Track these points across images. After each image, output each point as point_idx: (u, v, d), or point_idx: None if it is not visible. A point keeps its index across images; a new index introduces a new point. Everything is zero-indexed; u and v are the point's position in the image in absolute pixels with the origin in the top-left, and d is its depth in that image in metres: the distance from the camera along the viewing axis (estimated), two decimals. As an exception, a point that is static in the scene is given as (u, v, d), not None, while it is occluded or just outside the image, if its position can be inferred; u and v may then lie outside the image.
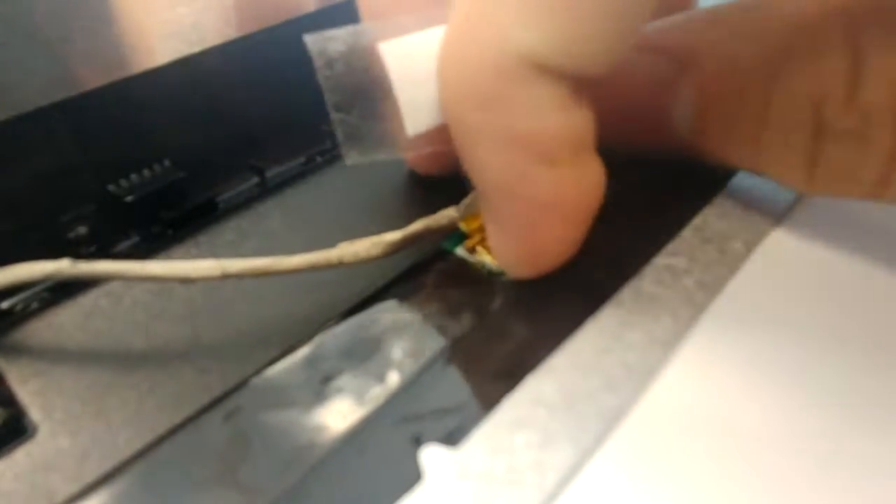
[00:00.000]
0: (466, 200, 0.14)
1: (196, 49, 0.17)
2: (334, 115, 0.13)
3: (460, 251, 0.15)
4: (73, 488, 0.11)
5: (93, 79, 0.16)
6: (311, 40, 0.12)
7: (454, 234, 0.15)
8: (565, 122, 0.11)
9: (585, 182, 0.12)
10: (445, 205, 0.14)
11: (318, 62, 0.12)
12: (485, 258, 0.14)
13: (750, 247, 0.14)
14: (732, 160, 0.14)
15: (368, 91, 0.13)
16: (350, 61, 0.12)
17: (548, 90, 0.11)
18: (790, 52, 0.12)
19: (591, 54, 0.11)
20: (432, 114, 0.12)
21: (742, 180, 0.16)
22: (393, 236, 0.13)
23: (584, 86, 0.11)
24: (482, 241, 0.14)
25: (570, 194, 0.12)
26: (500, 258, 0.14)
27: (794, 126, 0.12)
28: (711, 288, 0.13)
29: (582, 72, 0.11)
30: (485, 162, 0.12)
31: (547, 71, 0.11)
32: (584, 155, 0.12)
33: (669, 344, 0.12)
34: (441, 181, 0.16)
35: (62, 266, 0.12)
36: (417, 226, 0.14)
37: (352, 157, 0.13)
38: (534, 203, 0.12)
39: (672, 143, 0.14)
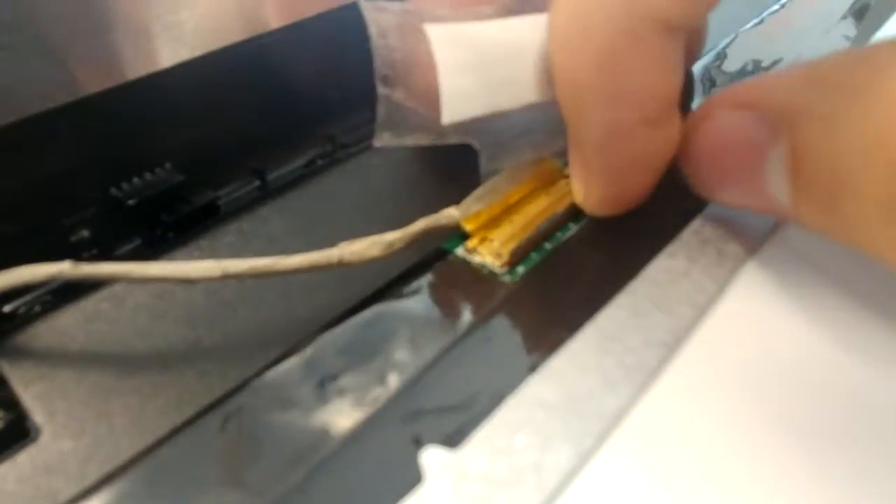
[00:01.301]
0: (467, 200, 0.15)
1: (198, 53, 0.17)
2: (381, 90, 0.13)
3: (461, 251, 0.15)
4: (76, 490, 0.11)
5: (95, 83, 0.16)
6: (367, 7, 0.12)
7: (455, 234, 0.15)
8: (673, 81, 0.12)
9: (673, 139, 0.13)
10: (446, 205, 0.14)
11: (372, 29, 0.12)
12: (485, 258, 0.14)
13: (749, 249, 0.14)
14: (837, 236, 0.12)
15: (416, 71, 0.13)
16: (404, 36, 0.12)
17: (667, 49, 0.12)
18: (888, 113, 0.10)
19: (706, 5, 0.12)
20: (470, 105, 0.12)
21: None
22: (393, 236, 0.13)
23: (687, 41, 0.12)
24: (483, 241, 0.14)
25: (661, 150, 0.13)
26: (585, 199, 0.15)
27: None
28: (710, 290, 0.13)
29: (697, 24, 0.12)
30: (591, 119, 0.12)
31: (670, 29, 0.12)
32: (673, 113, 0.13)
33: (668, 345, 0.12)
34: (442, 180, 0.16)
35: (64, 268, 0.12)
36: (418, 226, 0.14)
37: (383, 139, 0.13)
38: (630, 157, 0.13)
39: (772, 209, 0.13)
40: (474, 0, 0.14)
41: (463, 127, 0.13)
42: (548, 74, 0.13)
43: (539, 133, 0.14)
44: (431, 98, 0.12)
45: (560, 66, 0.12)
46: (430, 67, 0.12)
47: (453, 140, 0.14)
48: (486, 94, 0.13)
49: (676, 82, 0.13)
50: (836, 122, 0.11)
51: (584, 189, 0.14)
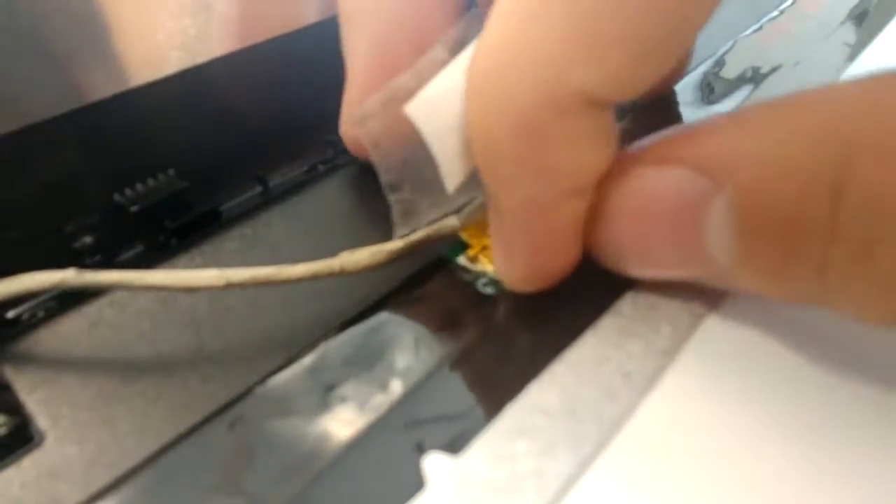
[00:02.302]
0: (467, 209, 0.15)
1: (200, 60, 0.17)
2: (391, 197, 0.13)
3: (462, 260, 0.15)
4: (80, 496, 0.11)
5: (98, 90, 0.16)
6: (355, 125, 0.13)
7: (455, 243, 0.15)
8: (605, 154, 0.11)
9: None
10: (447, 214, 0.15)
11: (367, 144, 0.13)
12: (486, 267, 0.14)
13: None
14: (789, 294, 0.11)
15: (414, 161, 0.13)
16: (392, 134, 0.13)
17: (595, 123, 0.11)
18: (858, 146, 0.09)
19: (642, 83, 0.11)
20: (466, 161, 0.12)
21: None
22: (394, 245, 0.14)
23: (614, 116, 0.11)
24: (483, 250, 0.15)
25: (585, 220, 0.12)
26: (505, 274, 0.13)
27: (876, 238, 0.09)
28: (710, 297, 0.13)
29: (628, 99, 0.11)
30: (512, 190, 0.11)
31: (597, 104, 0.10)
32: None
33: (668, 353, 0.12)
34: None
35: (68, 276, 0.13)
36: (419, 234, 0.14)
37: (404, 231, 0.13)
38: (552, 229, 0.12)
39: (710, 276, 0.12)
40: (423, 45, 0.13)
41: (465, 184, 0.13)
42: None
43: None
44: (434, 175, 0.12)
45: (477, 129, 0.11)
46: (424, 147, 0.12)
47: (463, 200, 0.14)
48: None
49: (608, 155, 0.11)
50: (786, 163, 0.10)
51: (504, 264, 0.13)
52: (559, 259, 0.12)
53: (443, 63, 0.12)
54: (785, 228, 0.10)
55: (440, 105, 0.12)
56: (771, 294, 0.11)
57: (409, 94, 0.12)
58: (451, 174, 0.12)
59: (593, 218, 0.12)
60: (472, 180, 0.12)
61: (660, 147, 0.11)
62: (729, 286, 0.12)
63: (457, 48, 0.12)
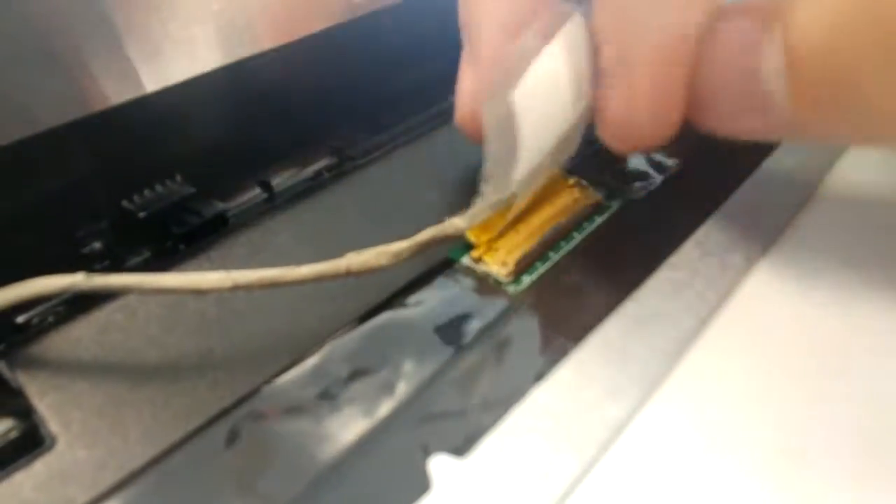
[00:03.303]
0: (472, 210, 0.15)
1: (208, 68, 0.17)
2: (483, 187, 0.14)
3: (467, 260, 0.15)
4: (91, 498, 0.11)
5: (107, 98, 0.16)
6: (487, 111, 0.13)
7: (461, 244, 0.15)
8: None
9: None
10: (452, 215, 0.15)
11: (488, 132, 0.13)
12: (491, 268, 0.14)
13: (751, 260, 0.14)
14: (841, 129, 0.12)
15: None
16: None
17: None
18: None
19: None
20: (524, 160, 0.13)
21: (743, 194, 0.16)
22: (399, 246, 0.14)
23: None
24: (488, 251, 0.15)
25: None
26: (622, 129, 0.13)
27: None
28: (712, 300, 0.13)
29: None
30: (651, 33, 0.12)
31: None
32: None
33: (672, 355, 0.12)
34: (448, 190, 0.17)
35: (77, 280, 0.13)
36: (424, 235, 0.14)
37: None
38: (675, 76, 0.13)
39: (773, 120, 0.12)
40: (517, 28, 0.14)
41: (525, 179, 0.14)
42: (579, 91, 0.13)
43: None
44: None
45: None
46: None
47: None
48: (532, 144, 0.13)
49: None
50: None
51: (624, 118, 0.13)
52: (674, 113, 0.13)
53: (535, 52, 0.12)
54: (827, 65, 0.11)
55: (535, 96, 0.12)
56: (828, 131, 0.12)
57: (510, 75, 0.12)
58: (526, 163, 0.13)
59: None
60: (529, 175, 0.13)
61: (731, 7, 0.12)
62: (794, 134, 0.13)
63: (545, 33, 0.13)
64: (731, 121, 0.13)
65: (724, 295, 0.13)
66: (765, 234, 0.15)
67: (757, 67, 0.12)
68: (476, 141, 0.15)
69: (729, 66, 0.12)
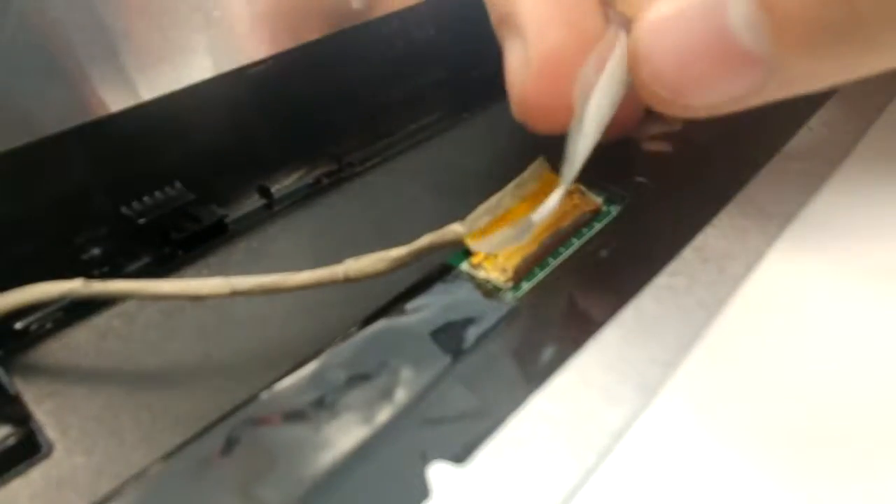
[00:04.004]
0: (472, 216, 0.15)
1: (208, 75, 0.17)
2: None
3: (466, 266, 0.15)
4: (88, 506, 0.11)
5: (107, 105, 0.16)
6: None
7: (460, 250, 0.15)
8: None
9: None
10: (450, 221, 0.15)
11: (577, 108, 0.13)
12: (490, 274, 0.14)
13: (749, 267, 0.14)
14: (838, 63, 0.10)
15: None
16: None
17: None
18: None
19: None
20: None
21: (742, 200, 0.16)
22: (398, 252, 0.14)
23: None
24: (487, 257, 0.15)
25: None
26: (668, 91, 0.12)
27: None
28: (712, 307, 0.13)
29: None
30: None
31: None
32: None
33: (670, 362, 0.12)
34: (446, 196, 0.17)
35: (76, 286, 0.13)
36: (423, 241, 0.14)
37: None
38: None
39: (755, 78, 0.11)
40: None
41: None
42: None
43: None
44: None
45: None
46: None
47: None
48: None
49: None
50: None
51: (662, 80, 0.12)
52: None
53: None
54: None
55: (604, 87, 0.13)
56: (821, 71, 0.11)
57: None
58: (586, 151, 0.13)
59: (639, 54, 0.12)
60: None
61: None
62: (781, 88, 0.11)
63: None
64: (708, 89, 0.12)
65: (723, 302, 0.13)
66: (764, 241, 0.15)
67: (723, 24, 0.11)
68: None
69: (692, 35, 0.11)
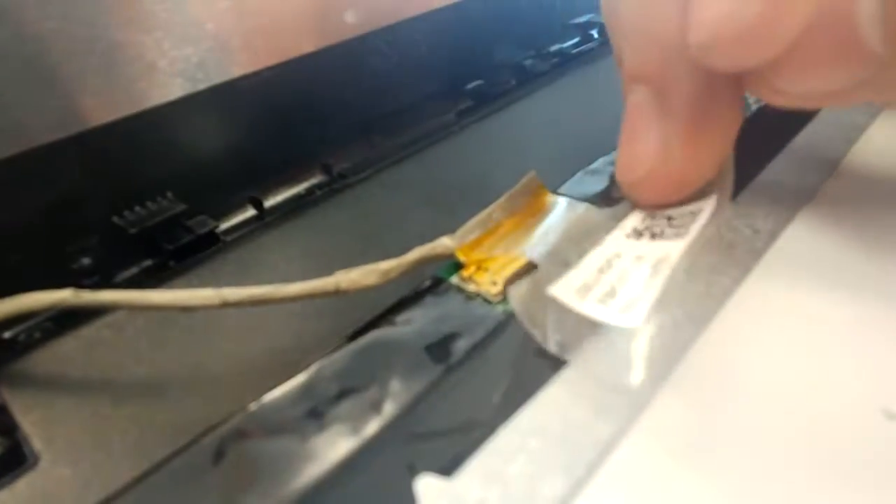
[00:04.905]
0: (462, 230, 0.15)
1: (201, 87, 0.17)
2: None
3: (456, 280, 0.15)
4: (73, 518, 0.11)
5: (100, 115, 0.16)
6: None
7: (450, 263, 0.15)
8: None
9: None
10: (441, 234, 0.15)
11: None
12: (480, 287, 0.14)
13: (736, 280, 0.14)
14: None
15: None
16: None
17: None
18: None
19: None
20: None
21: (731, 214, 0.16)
22: (389, 265, 0.14)
23: None
24: (478, 270, 0.15)
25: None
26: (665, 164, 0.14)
27: None
28: (700, 320, 0.13)
29: None
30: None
31: None
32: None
33: (662, 374, 0.12)
34: (437, 210, 0.17)
35: (65, 295, 0.13)
36: (413, 255, 0.14)
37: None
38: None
39: (861, 68, 0.11)
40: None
41: None
42: None
43: None
44: None
45: None
46: None
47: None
48: None
49: None
50: None
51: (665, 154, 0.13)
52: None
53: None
54: None
55: None
56: None
57: None
58: None
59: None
60: None
61: None
62: (883, 86, 0.12)
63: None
64: (814, 75, 0.12)
65: (709, 318, 0.13)
66: (748, 257, 0.15)
67: (851, 12, 0.11)
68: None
69: (821, 21, 0.11)
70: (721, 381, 0.12)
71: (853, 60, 0.11)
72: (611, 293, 0.13)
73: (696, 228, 0.14)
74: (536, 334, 0.13)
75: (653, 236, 0.14)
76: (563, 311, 0.13)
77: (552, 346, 0.12)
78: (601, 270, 0.13)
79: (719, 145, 0.14)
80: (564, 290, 0.13)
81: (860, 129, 0.19)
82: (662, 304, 0.12)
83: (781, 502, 0.10)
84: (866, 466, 0.11)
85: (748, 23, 0.12)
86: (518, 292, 0.14)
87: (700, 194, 0.14)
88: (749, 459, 0.11)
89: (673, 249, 0.13)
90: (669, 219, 0.14)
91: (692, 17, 0.12)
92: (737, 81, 0.13)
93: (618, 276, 0.13)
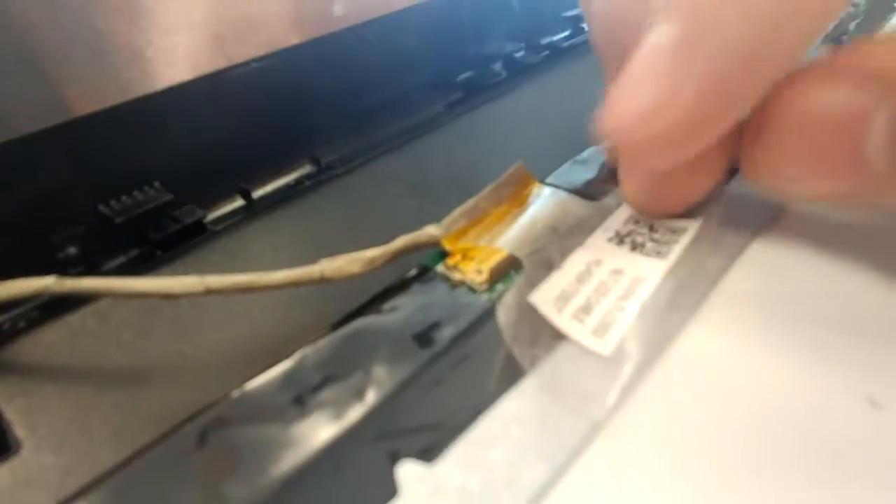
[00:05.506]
0: (448, 218, 0.15)
1: (189, 77, 0.17)
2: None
3: (441, 268, 0.15)
4: (55, 504, 0.11)
5: (87, 104, 0.16)
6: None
7: (435, 252, 0.15)
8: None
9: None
10: (428, 223, 0.15)
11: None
12: (466, 276, 0.14)
13: (723, 269, 0.14)
14: None
15: None
16: None
17: None
18: None
19: None
20: None
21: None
22: (374, 253, 0.14)
23: None
24: (464, 259, 0.15)
25: (741, 138, 0.13)
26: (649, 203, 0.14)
27: None
28: (685, 308, 0.13)
29: None
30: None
31: None
32: None
33: (643, 365, 0.12)
34: (424, 199, 0.17)
35: (48, 283, 0.13)
36: (398, 243, 0.14)
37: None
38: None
39: (861, 184, 0.12)
40: None
41: None
42: None
43: None
44: None
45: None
46: None
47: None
48: None
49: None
50: None
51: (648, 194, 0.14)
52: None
53: None
54: None
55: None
56: None
57: None
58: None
59: (751, 136, 0.12)
60: None
61: (818, 69, 0.12)
62: (880, 198, 0.12)
63: None
64: (809, 181, 0.12)
65: (697, 302, 0.13)
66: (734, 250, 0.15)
67: (861, 136, 0.11)
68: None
69: (826, 133, 0.12)
70: (704, 370, 0.12)
71: (852, 174, 0.12)
72: (586, 308, 0.13)
73: (677, 251, 0.14)
74: (515, 350, 0.13)
75: (633, 247, 0.14)
76: (540, 326, 0.13)
77: (528, 364, 0.12)
78: (580, 279, 0.14)
79: (735, 111, 0.12)
80: (544, 298, 0.13)
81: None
82: (636, 332, 0.12)
83: (767, 488, 0.10)
84: (852, 455, 0.11)
85: (662, 127, 0.11)
86: (507, 303, 0.14)
87: (687, 212, 0.15)
88: (733, 448, 0.11)
89: (651, 271, 0.13)
90: (652, 229, 0.15)
91: (608, 102, 0.12)
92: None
93: (594, 289, 0.13)
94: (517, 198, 0.16)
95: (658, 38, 0.11)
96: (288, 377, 0.12)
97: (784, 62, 0.11)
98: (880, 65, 0.11)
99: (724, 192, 0.16)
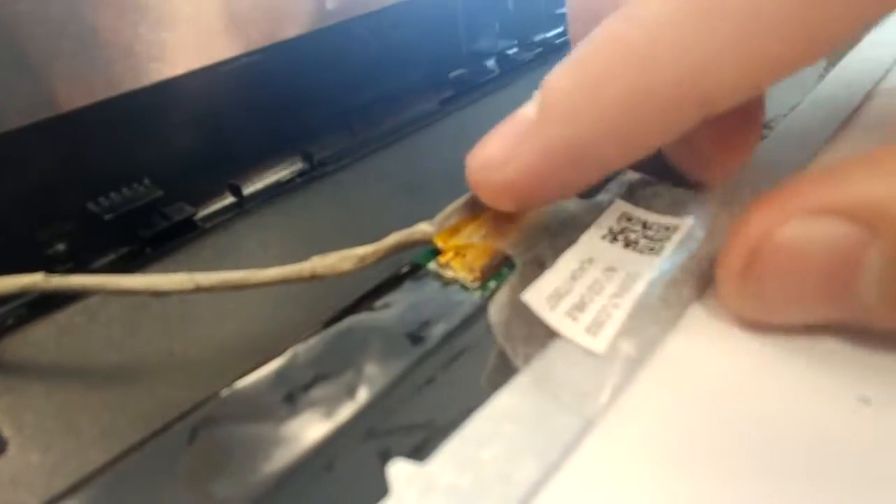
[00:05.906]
0: (440, 216, 0.15)
1: (178, 72, 0.17)
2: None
3: (433, 266, 0.15)
4: None
5: (75, 100, 0.16)
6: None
7: (427, 249, 0.15)
8: None
9: None
10: (421, 220, 0.15)
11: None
12: (458, 273, 0.14)
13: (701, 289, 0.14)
14: None
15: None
16: None
17: None
18: None
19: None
20: None
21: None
22: (365, 250, 0.14)
23: None
24: (455, 256, 0.15)
25: (722, 275, 0.13)
26: None
27: None
28: (678, 305, 0.13)
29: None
30: None
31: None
32: None
33: (636, 361, 0.12)
34: (416, 196, 0.17)
35: (36, 280, 0.13)
36: (390, 240, 0.14)
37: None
38: None
39: (848, 312, 0.12)
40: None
41: None
42: None
43: None
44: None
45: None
46: None
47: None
48: None
49: None
50: None
51: None
52: None
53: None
54: None
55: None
56: None
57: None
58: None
59: (734, 272, 0.12)
60: None
61: (800, 196, 0.11)
62: (869, 325, 0.12)
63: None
64: (799, 315, 0.12)
65: (684, 303, 0.13)
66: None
67: (853, 272, 0.11)
68: None
69: (813, 268, 0.11)
70: (697, 368, 0.12)
71: (839, 304, 0.12)
72: (579, 306, 0.13)
73: (670, 247, 0.14)
74: (507, 347, 0.13)
75: (627, 244, 0.14)
76: (533, 324, 0.13)
77: (520, 362, 0.12)
78: (574, 277, 0.13)
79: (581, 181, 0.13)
80: (537, 296, 0.13)
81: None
82: (629, 330, 0.12)
83: (759, 486, 0.10)
84: (844, 453, 0.11)
85: (511, 178, 0.13)
86: (499, 301, 0.14)
87: (680, 209, 0.15)
88: (725, 445, 0.11)
89: (645, 267, 0.13)
90: (645, 226, 0.15)
91: (477, 146, 0.13)
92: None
93: (588, 287, 0.13)
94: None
95: (524, 108, 0.13)
96: (279, 375, 0.12)
97: (627, 155, 0.12)
98: (867, 195, 0.11)
99: (718, 187, 0.16)
